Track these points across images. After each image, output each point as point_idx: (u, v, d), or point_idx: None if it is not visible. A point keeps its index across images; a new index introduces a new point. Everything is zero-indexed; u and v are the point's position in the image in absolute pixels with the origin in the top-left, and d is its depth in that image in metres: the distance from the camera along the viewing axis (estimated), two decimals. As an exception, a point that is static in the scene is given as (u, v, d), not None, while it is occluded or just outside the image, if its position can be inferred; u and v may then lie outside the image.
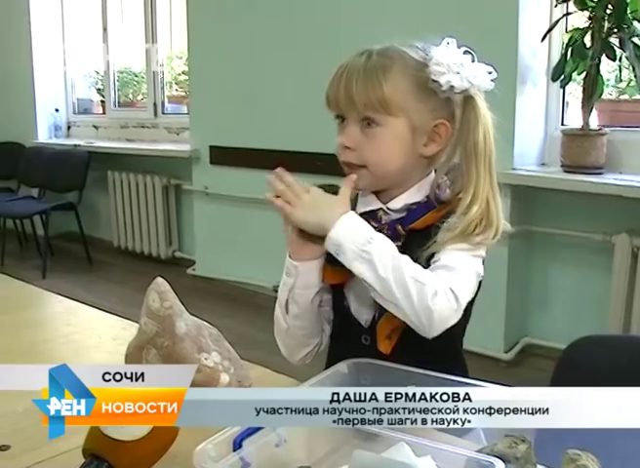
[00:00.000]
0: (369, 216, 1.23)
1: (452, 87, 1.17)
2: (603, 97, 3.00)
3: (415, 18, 3.32)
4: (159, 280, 1.28)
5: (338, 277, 1.24)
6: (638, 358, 1.30)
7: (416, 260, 1.15)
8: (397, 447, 0.89)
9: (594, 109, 2.97)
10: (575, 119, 3.12)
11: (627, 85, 3.15)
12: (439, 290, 1.11)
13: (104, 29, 5.69)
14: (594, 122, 3.03)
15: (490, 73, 1.19)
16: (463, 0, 3.23)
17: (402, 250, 1.17)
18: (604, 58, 2.86)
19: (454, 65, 1.16)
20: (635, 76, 2.77)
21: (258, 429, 0.91)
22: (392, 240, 1.18)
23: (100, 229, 5.72)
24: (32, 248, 5.58)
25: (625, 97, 3.23)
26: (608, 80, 3.08)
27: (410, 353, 1.13)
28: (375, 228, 1.19)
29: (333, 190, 1.24)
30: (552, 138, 3.19)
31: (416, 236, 1.20)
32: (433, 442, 0.89)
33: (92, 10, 5.77)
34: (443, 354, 1.19)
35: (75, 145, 5.50)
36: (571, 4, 2.94)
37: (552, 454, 0.95)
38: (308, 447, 0.97)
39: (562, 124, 3.22)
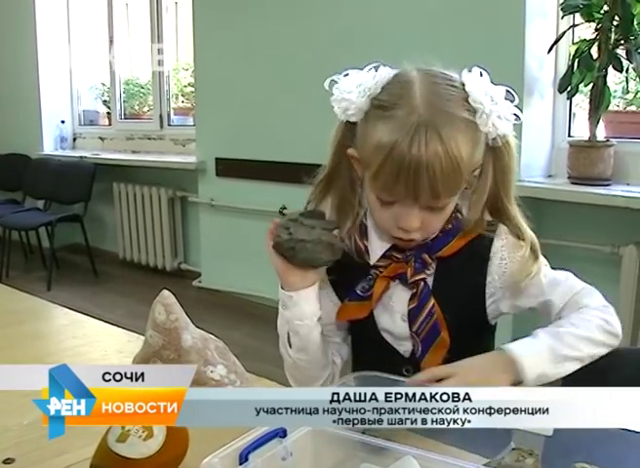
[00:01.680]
0: (392, 250, 1.20)
1: (494, 138, 1.13)
2: (610, 108, 2.99)
3: (421, 30, 3.32)
4: (165, 292, 1.28)
5: (358, 311, 1.22)
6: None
7: (452, 288, 1.16)
8: (404, 460, 0.89)
9: (601, 121, 2.96)
10: (582, 130, 3.11)
11: (634, 96, 3.14)
12: (603, 317, 1.12)
13: (110, 41, 5.70)
14: (601, 133, 3.01)
15: (516, 117, 1.13)
16: (470, 12, 3.23)
17: (436, 279, 1.17)
18: (611, 69, 2.84)
19: (493, 108, 1.10)
20: (642, 87, 2.77)
21: (264, 442, 0.90)
22: (421, 271, 1.17)
23: (106, 241, 5.72)
24: (37, 259, 5.57)
25: (632, 108, 3.22)
26: (615, 91, 3.07)
27: None
28: (398, 260, 1.18)
29: (318, 214, 1.21)
30: (559, 150, 3.17)
31: (446, 264, 1.19)
32: (441, 455, 0.89)
33: (98, 21, 5.78)
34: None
35: (81, 157, 5.51)
36: (577, 15, 2.94)
37: None
38: (315, 460, 0.96)
39: (569, 135, 3.20)
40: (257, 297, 4.38)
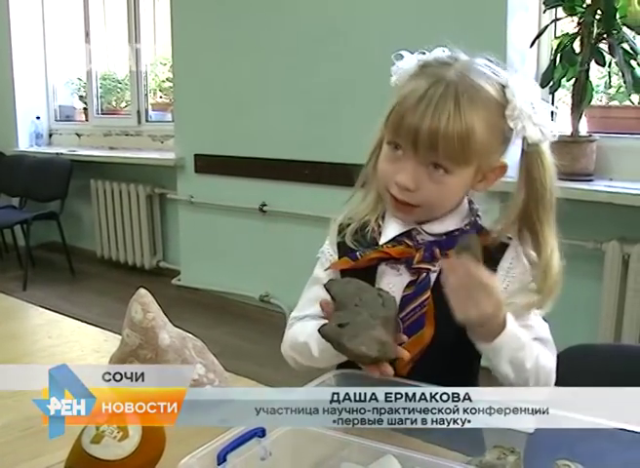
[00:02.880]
0: (404, 236, 1.20)
1: (524, 137, 1.13)
2: (592, 103, 2.98)
3: (402, 24, 3.30)
4: (142, 291, 1.27)
5: (344, 263, 1.22)
6: (629, 367, 1.29)
7: None
8: (385, 459, 0.88)
9: (584, 116, 2.96)
10: (564, 125, 3.10)
11: (617, 91, 3.15)
12: (544, 378, 1.13)
13: (87, 35, 5.65)
14: (584, 128, 3.01)
15: (553, 119, 1.15)
16: (451, 6, 3.22)
17: (439, 277, 1.15)
18: (593, 63, 2.84)
19: (527, 108, 1.11)
20: (625, 82, 2.76)
21: (242, 442, 0.89)
22: (428, 261, 1.17)
23: (83, 239, 5.67)
24: (13, 258, 5.51)
25: (615, 103, 3.22)
26: (597, 86, 3.08)
27: (428, 373, 1.08)
28: (409, 247, 1.18)
29: (373, 294, 1.13)
30: (541, 145, 3.16)
31: None
32: (421, 454, 0.88)
33: (73, 15, 5.73)
34: (462, 372, 1.19)
35: (57, 153, 5.45)
36: (560, 9, 2.93)
37: (542, 466, 0.94)
38: (294, 460, 0.95)
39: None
40: (236, 296, 4.36)
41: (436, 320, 1.15)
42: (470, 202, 1.23)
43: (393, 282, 1.20)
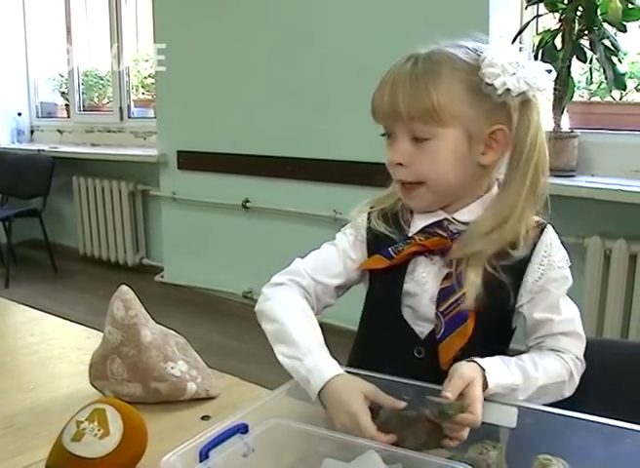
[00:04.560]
0: (435, 226, 1.17)
1: (508, 90, 1.10)
2: (574, 99, 2.99)
3: (384, 19, 3.30)
4: (123, 288, 1.26)
5: (379, 262, 1.19)
6: (611, 362, 1.28)
7: (496, 277, 1.12)
8: (367, 455, 0.88)
9: (565, 111, 2.97)
10: (546, 121, 3.11)
11: (598, 87, 3.15)
12: (572, 371, 1.13)
13: (68, 31, 5.62)
14: (565, 124, 3.02)
15: (549, 72, 1.12)
16: (433, 3, 3.22)
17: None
18: (575, 60, 2.85)
19: (509, 66, 1.09)
20: (606, 78, 2.77)
21: (224, 439, 0.89)
22: None
23: (66, 236, 5.65)
24: (-5, 256, 5.47)
25: (597, 99, 3.23)
26: (579, 82, 3.08)
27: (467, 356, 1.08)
28: (443, 238, 1.15)
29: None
30: (524, 141, 3.17)
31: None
32: (403, 450, 0.88)
33: (55, 10, 5.68)
34: (497, 347, 1.16)
35: (39, 150, 5.41)
36: (541, 6, 2.94)
37: (524, 460, 0.94)
38: (276, 456, 0.96)
39: (533, 126, 3.20)
40: (220, 292, 4.36)
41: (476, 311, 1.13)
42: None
43: (427, 271, 1.17)
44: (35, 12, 5.83)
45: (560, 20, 2.86)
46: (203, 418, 1.18)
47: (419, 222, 1.19)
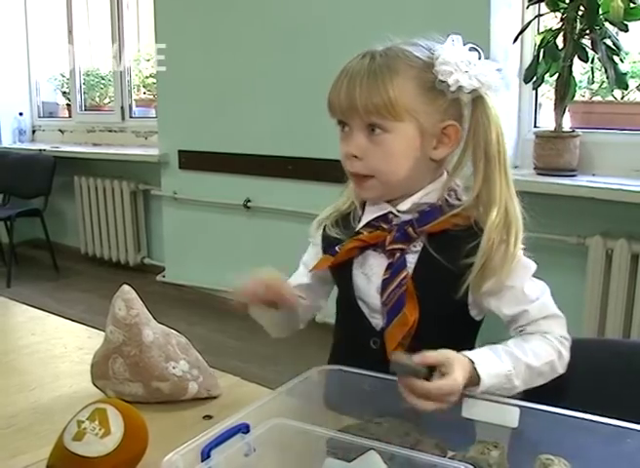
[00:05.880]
0: (380, 220, 1.21)
1: (460, 87, 1.13)
2: (575, 98, 2.99)
3: (385, 19, 3.30)
4: (125, 287, 1.26)
5: (325, 262, 1.25)
6: (613, 362, 1.29)
7: (434, 267, 1.14)
8: (368, 455, 0.88)
9: (567, 111, 2.96)
10: (547, 121, 3.11)
11: (600, 86, 3.15)
12: (560, 350, 1.14)
13: (70, 31, 5.61)
14: (567, 124, 3.02)
15: (499, 71, 1.15)
16: (434, 2, 3.21)
17: (420, 256, 1.16)
18: (576, 59, 2.84)
19: (461, 64, 1.12)
20: (607, 77, 2.76)
21: (226, 438, 0.89)
22: (402, 241, 1.18)
23: (67, 236, 5.64)
24: (-4, 255, 5.47)
25: (598, 98, 3.23)
26: (580, 81, 3.08)
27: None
28: (383, 229, 1.19)
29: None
30: (525, 141, 3.17)
31: (434, 240, 1.17)
32: (404, 449, 0.88)
33: (57, 11, 5.68)
34: (459, 342, 1.15)
35: (40, 150, 5.40)
36: (543, 5, 2.93)
37: (525, 460, 0.94)
38: (278, 455, 0.95)
39: (535, 126, 3.20)
40: (221, 292, 4.34)
41: (421, 299, 1.15)
42: (450, 180, 1.21)
43: (375, 264, 1.21)
44: (37, 12, 5.82)
45: (561, 20, 2.86)
46: (204, 418, 1.19)
47: (366, 217, 1.24)
